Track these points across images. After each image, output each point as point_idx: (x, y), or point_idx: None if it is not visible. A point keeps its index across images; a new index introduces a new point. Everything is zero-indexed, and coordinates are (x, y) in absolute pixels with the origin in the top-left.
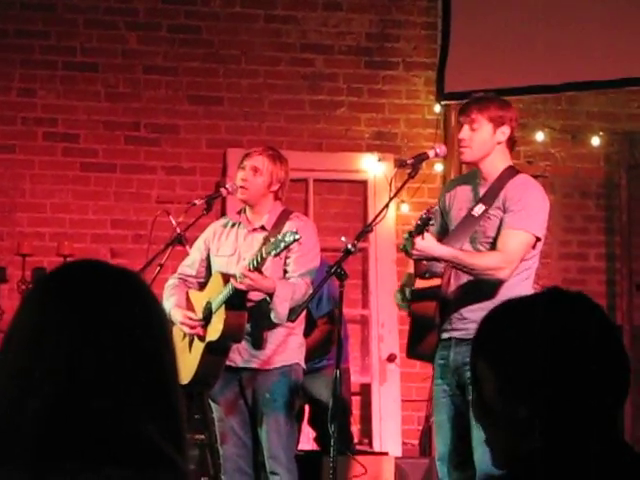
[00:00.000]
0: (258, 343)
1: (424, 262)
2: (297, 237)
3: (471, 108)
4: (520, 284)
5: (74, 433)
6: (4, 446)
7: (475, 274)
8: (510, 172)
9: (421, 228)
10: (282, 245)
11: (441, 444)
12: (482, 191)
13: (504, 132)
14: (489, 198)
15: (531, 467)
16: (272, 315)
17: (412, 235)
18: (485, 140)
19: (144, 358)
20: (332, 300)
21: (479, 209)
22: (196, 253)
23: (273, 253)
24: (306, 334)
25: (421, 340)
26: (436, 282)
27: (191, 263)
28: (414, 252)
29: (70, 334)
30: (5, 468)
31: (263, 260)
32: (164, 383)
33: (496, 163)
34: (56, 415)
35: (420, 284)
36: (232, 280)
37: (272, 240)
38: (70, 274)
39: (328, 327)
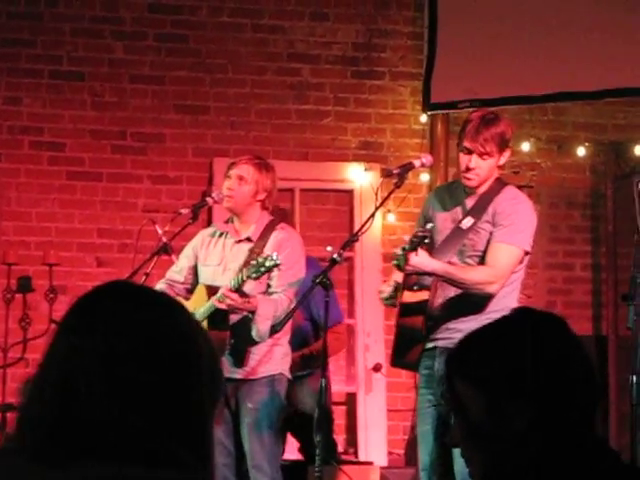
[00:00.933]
0: (241, 358)
1: (415, 275)
2: (277, 262)
3: (484, 137)
4: (506, 296)
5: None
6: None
7: (465, 288)
8: (498, 184)
9: (416, 245)
10: (262, 270)
11: (425, 454)
12: (470, 203)
13: (505, 156)
14: (477, 211)
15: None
16: (253, 332)
17: (406, 251)
18: (492, 168)
19: (180, 385)
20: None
21: (467, 222)
22: (184, 260)
23: (253, 277)
24: (310, 343)
25: (407, 350)
26: (424, 296)
27: (179, 270)
28: (407, 267)
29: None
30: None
31: (243, 282)
32: (199, 413)
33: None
34: (91, 425)
35: (408, 296)
36: (213, 299)
37: (253, 263)
38: (101, 302)
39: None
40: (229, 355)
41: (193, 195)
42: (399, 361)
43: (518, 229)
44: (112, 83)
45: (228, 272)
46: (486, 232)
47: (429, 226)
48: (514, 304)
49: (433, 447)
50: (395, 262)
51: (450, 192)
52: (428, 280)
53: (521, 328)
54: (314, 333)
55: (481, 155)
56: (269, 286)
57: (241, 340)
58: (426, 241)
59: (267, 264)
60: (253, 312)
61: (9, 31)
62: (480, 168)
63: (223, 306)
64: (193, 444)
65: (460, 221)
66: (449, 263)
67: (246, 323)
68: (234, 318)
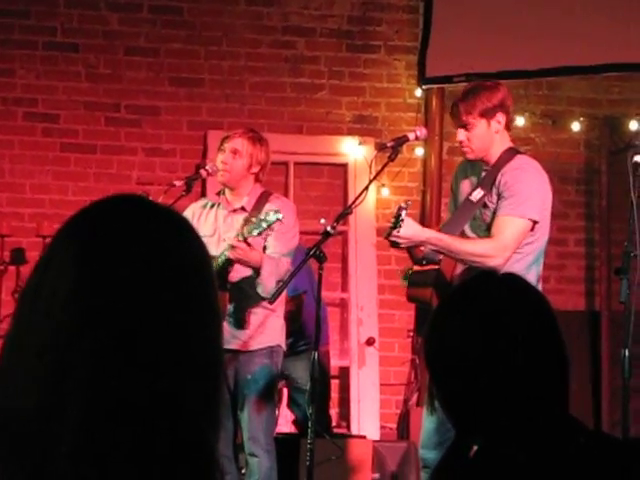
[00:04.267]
0: (240, 323)
1: (420, 248)
2: (279, 216)
3: (459, 110)
4: (525, 270)
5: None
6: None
7: (464, 260)
8: (508, 154)
9: (396, 222)
10: (264, 225)
11: (427, 422)
12: (482, 175)
13: (499, 121)
14: (487, 183)
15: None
16: (259, 289)
17: (391, 229)
18: (482, 136)
19: (196, 307)
20: (304, 284)
21: (477, 194)
22: None
23: (255, 233)
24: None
25: (425, 321)
26: (433, 267)
27: None
28: (401, 241)
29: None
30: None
31: (245, 240)
32: (215, 347)
33: (496, 148)
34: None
35: (417, 270)
36: (229, 245)
37: (254, 220)
38: (109, 211)
39: (290, 308)
40: (226, 321)
41: (187, 168)
42: (421, 331)
43: (521, 199)
44: (106, 55)
45: (223, 243)
46: (494, 205)
47: (406, 203)
48: (533, 278)
49: (436, 416)
50: (390, 244)
51: (472, 165)
52: (437, 255)
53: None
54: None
55: (465, 127)
56: (265, 249)
57: (239, 305)
58: (401, 217)
59: (269, 218)
60: (257, 269)
61: (2, 2)
62: (470, 140)
63: (234, 255)
64: (207, 402)
65: (471, 193)
66: (461, 235)
67: (243, 287)
68: (231, 280)
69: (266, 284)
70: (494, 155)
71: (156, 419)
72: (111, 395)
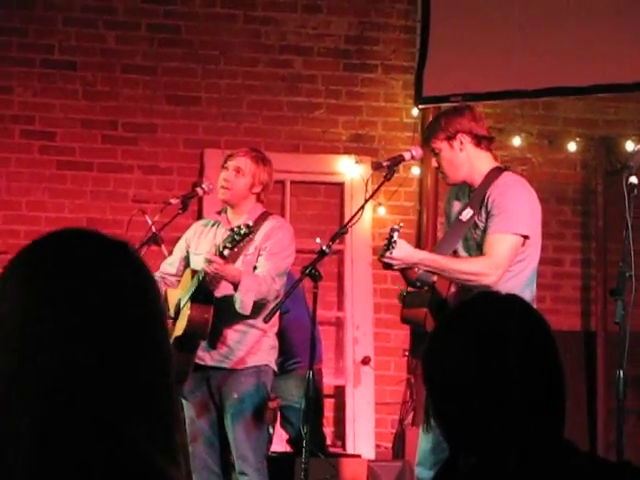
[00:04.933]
0: (225, 342)
1: (414, 270)
2: (251, 230)
3: (427, 139)
4: (521, 287)
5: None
6: None
7: (457, 280)
8: (494, 173)
9: (388, 245)
10: (236, 237)
11: (424, 441)
12: (471, 195)
13: (462, 141)
14: (476, 202)
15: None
16: (236, 305)
17: (383, 255)
18: (449, 159)
19: (138, 337)
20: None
21: (467, 214)
22: (177, 252)
23: (229, 245)
24: None
25: (420, 343)
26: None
27: (172, 262)
28: (394, 263)
29: (55, 307)
30: None
31: (221, 254)
32: (161, 373)
33: (479, 169)
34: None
35: (411, 291)
36: (205, 259)
37: (229, 233)
38: (56, 243)
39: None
40: (213, 338)
41: (184, 186)
42: (415, 353)
43: (509, 215)
44: (104, 73)
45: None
46: (484, 224)
47: (397, 225)
48: (528, 297)
49: (432, 436)
50: (383, 266)
51: (462, 187)
52: (431, 277)
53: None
54: None
55: (433, 152)
56: (255, 268)
57: (224, 323)
58: (393, 240)
59: (241, 232)
60: (235, 284)
61: (0, 19)
62: (441, 165)
63: (209, 269)
64: (161, 431)
65: (460, 213)
66: (454, 255)
67: (229, 306)
68: (217, 298)
69: (243, 299)
70: (479, 175)
71: (96, 445)
72: (57, 421)
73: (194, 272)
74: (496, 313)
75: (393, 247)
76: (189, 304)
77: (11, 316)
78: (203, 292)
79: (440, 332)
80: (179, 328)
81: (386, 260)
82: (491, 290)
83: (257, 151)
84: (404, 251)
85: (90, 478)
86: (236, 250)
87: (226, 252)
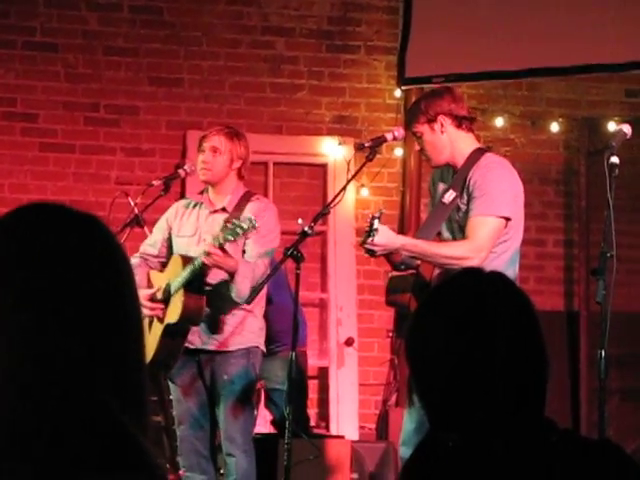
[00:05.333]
0: (215, 327)
1: (397, 254)
2: (254, 224)
3: (408, 123)
4: (503, 268)
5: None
6: None
7: (440, 264)
8: (476, 155)
9: (369, 232)
10: (239, 231)
11: (408, 422)
12: (454, 177)
13: (443, 123)
14: (458, 184)
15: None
16: (233, 294)
17: (365, 241)
18: (431, 142)
19: (109, 306)
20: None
21: (449, 196)
22: (158, 233)
23: (230, 239)
24: None
25: (405, 323)
26: (410, 272)
27: (153, 242)
28: (376, 249)
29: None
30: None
31: (221, 246)
32: (133, 345)
33: (461, 150)
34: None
35: (395, 275)
36: (205, 251)
37: (229, 226)
38: (23, 218)
39: None
40: (204, 323)
41: (166, 168)
42: (401, 333)
43: (491, 198)
44: (86, 55)
45: (203, 242)
46: (466, 206)
47: (379, 212)
48: (510, 276)
49: (416, 415)
50: (365, 252)
51: (447, 168)
52: (415, 260)
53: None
54: None
55: (415, 136)
56: (244, 252)
57: (216, 308)
58: (374, 227)
59: (244, 226)
60: (232, 274)
61: None
62: (424, 148)
63: (209, 261)
64: (132, 402)
65: (443, 195)
66: (438, 239)
67: (221, 290)
68: (209, 287)
69: (240, 288)
70: (461, 157)
71: (67, 408)
72: (27, 385)
73: (185, 258)
74: (478, 293)
75: (375, 234)
76: (182, 292)
77: None
78: (197, 280)
79: (423, 311)
80: (171, 315)
81: (368, 247)
82: (475, 268)
83: (230, 127)
84: (386, 237)
85: (61, 438)
86: (238, 242)
87: (227, 246)
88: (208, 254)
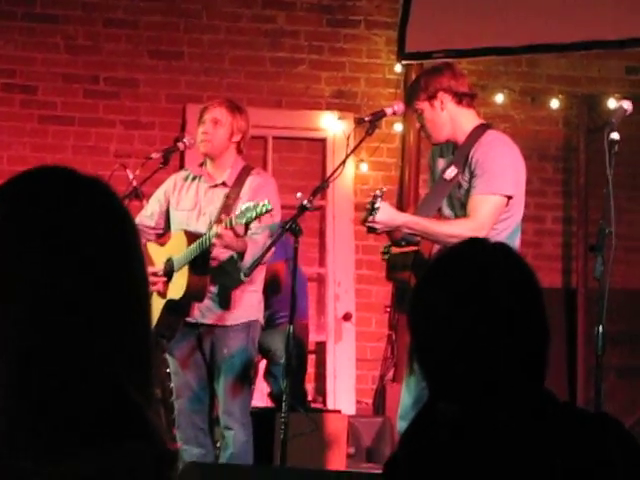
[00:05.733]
0: (216, 301)
1: (399, 231)
2: (269, 208)
3: (408, 100)
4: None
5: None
6: None
7: (441, 242)
8: (478, 131)
9: (371, 210)
10: (253, 215)
11: (406, 396)
12: (455, 153)
13: (442, 100)
14: (459, 161)
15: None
16: (242, 273)
17: (366, 219)
18: (432, 119)
19: (116, 272)
20: (280, 253)
21: (451, 172)
22: (155, 204)
23: (243, 222)
24: None
25: (404, 297)
26: (412, 249)
27: (150, 214)
28: (377, 227)
29: (32, 253)
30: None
31: (232, 227)
32: (141, 315)
33: (462, 127)
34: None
35: (396, 251)
36: (217, 228)
37: (243, 208)
38: (31, 182)
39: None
40: (209, 300)
41: (165, 141)
42: (400, 308)
43: (493, 176)
44: (86, 27)
45: (203, 217)
46: (467, 183)
47: (380, 190)
48: None
49: (414, 390)
50: (367, 230)
51: (447, 144)
52: (415, 237)
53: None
54: None
55: (417, 113)
56: (248, 228)
57: (221, 283)
58: (376, 206)
59: (258, 210)
60: (241, 253)
61: None
62: (425, 125)
63: (219, 243)
64: (138, 372)
65: (444, 171)
66: (439, 217)
67: (223, 266)
68: (214, 262)
69: (248, 267)
70: (462, 133)
71: (67, 361)
72: (38, 357)
73: (190, 235)
74: (482, 267)
75: (376, 212)
76: (187, 269)
77: None
78: (202, 259)
79: (426, 283)
80: (175, 291)
81: (369, 224)
82: (479, 238)
83: (231, 101)
84: (387, 215)
85: (66, 410)
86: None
87: (240, 229)
88: (220, 236)
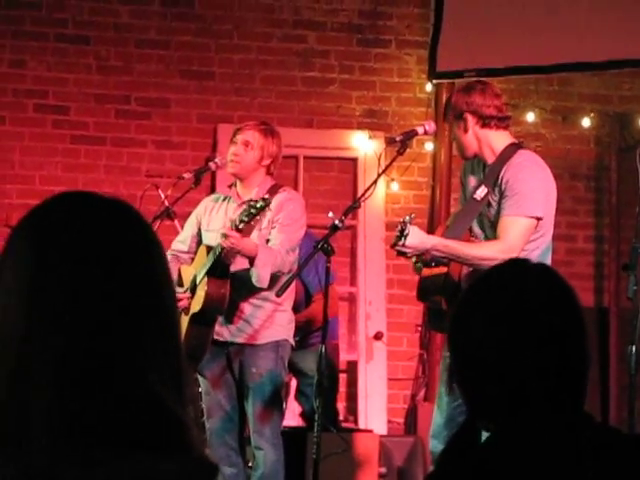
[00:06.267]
0: (244, 319)
1: (429, 253)
2: (268, 202)
3: (444, 116)
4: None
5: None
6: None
7: (471, 264)
8: (510, 150)
9: (400, 234)
10: (253, 211)
11: (438, 415)
12: (486, 172)
13: (467, 120)
14: (490, 180)
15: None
16: (253, 279)
17: (396, 243)
18: (458, 137)
19: (145, 292)
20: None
21: (481, 192)
22: (188, 229)
23: (245, 219)
24: (301, 309)
25: (435, 315)
26: (441, 270)
27: (183, 239)
28: (407, 251)
29: (64, 275)
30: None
31: (237, 228)
32: (168, 326)
33: (490, 147)
34: (62, 377)
35: (426, 272)
36: (222, 233)
37: (244, 207)
38: (59, 207)
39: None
40: (233, 315)
41: (197, 161)
42: (432, 325)
43: (523, 197)
44: (117, 47)
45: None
46: (497, 203)
47: (409, 217)
48: None
49: (446, 409)
50: (397, 253)
51: (478, 161)
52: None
53: (509, 276)
54: (305, 299)
55: (451, 127)
56: (268, 241)
57: (239, 294)
58: (406, 233)
59: (257, 205)
60: (252, 258)
61: None
62: (456, 140)
63: (226, 244)
64: (171, 379)
65: (474, 191)
66: (469, 236)
67: (243, 278)
68: (234, 274)
69: (260, 273)
70: (492, 153)
71: (104, 378)
72: (74, 370)
73: (209, 248)
74: (522, 289)
75: (406, 237)
76: (205, 280)
77: (19, 284)
78: (219, 267)
79: (471, 297)
80: (196, 304)
81: (399, 248)
82: (521, 259)
83: (265, 124)
84: (417, 239)
85: (102, 417)
86: (252, 223)
87: (242, 225)
88: (225, 236)
